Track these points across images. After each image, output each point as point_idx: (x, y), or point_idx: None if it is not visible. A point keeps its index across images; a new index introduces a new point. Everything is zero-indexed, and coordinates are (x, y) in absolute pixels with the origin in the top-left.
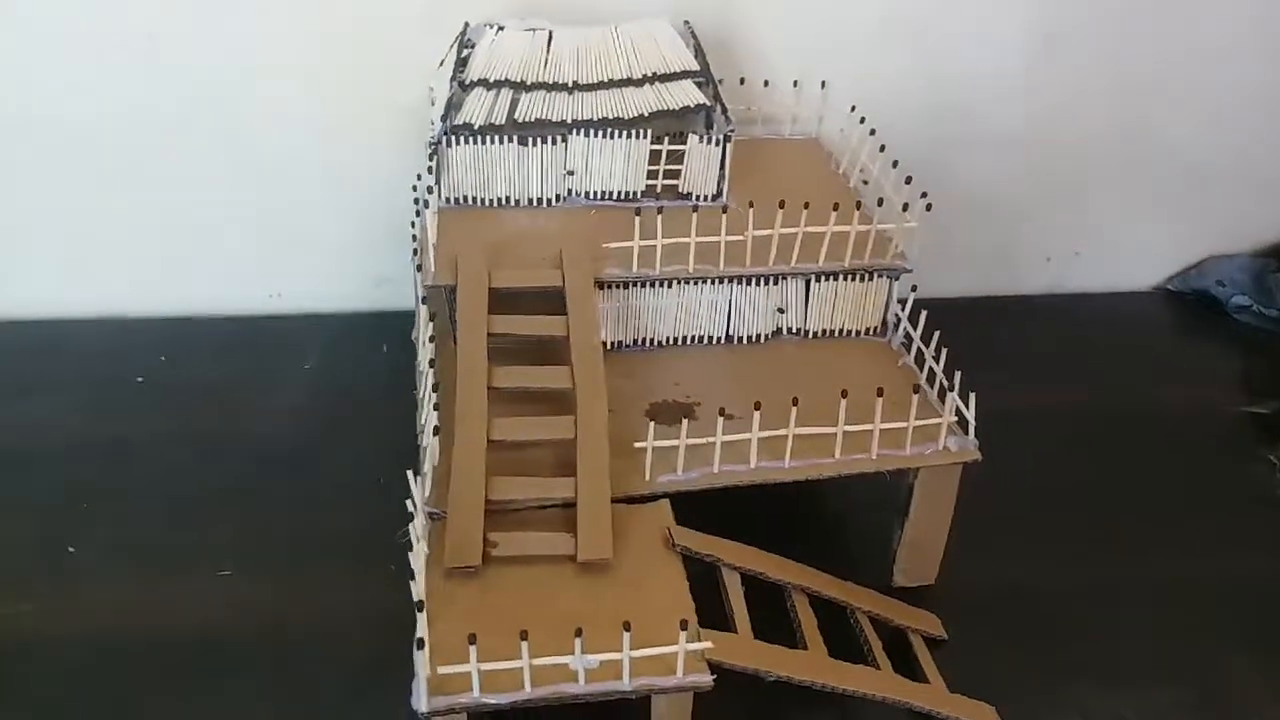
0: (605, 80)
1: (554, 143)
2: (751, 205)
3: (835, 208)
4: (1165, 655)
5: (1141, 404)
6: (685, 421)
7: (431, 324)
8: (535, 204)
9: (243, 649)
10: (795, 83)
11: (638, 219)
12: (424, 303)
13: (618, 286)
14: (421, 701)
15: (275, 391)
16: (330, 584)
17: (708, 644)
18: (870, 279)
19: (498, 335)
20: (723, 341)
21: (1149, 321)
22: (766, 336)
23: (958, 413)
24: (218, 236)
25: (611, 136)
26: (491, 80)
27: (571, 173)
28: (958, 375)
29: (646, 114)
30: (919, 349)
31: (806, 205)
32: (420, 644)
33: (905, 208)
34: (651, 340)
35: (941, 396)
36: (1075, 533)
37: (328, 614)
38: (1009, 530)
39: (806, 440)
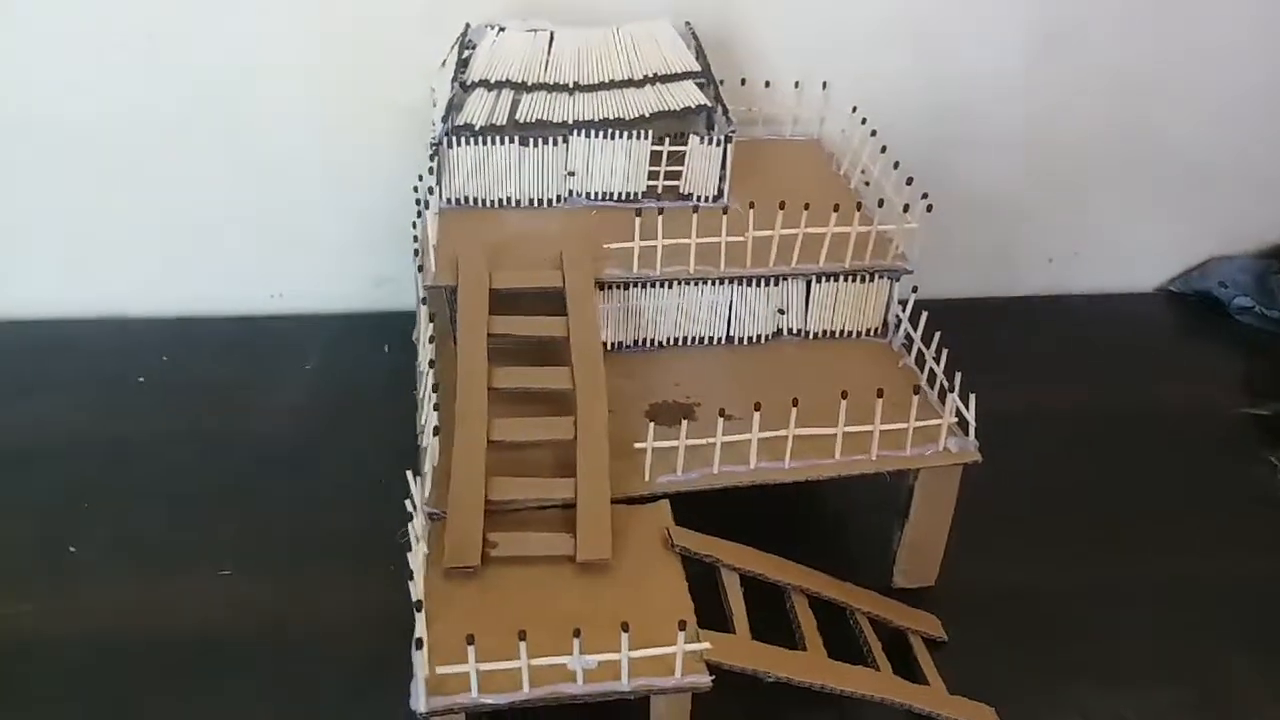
0: (606, 81)
1: (555, 143)
2: (752, 206)
3: (836, 209)
4: (1165, 656)
5: (1142, 405)
6: (685, 422)
7: (432, 324)
8: (536, 205)
9: (243, 649)
10: (796, 83)
11: (638, 220)
12: (424, 303)
13: (618, 287)
14: (420, 702)
15: (276, 392)
16: (330, 584)
17: (706, 645)
18: (871, 280)
19: (498, 336)
20: (723, 342)
21: (1150, 322)
22: (767, 337)
23: (958, 414)
24: (219, 237)
25: (612, 137)
26: (492, 81)
27: (572, 173)
28: (958, 376)
29: (647, 115)
30: (919, 350)
31: (807, 206)
32: (419, 644)
33: (906, 209)
34: (652, 341)
35: (942, 397)
36: (1075, 534)
37: (328, 614)
38: (1009, 531)
39: (806, 441)
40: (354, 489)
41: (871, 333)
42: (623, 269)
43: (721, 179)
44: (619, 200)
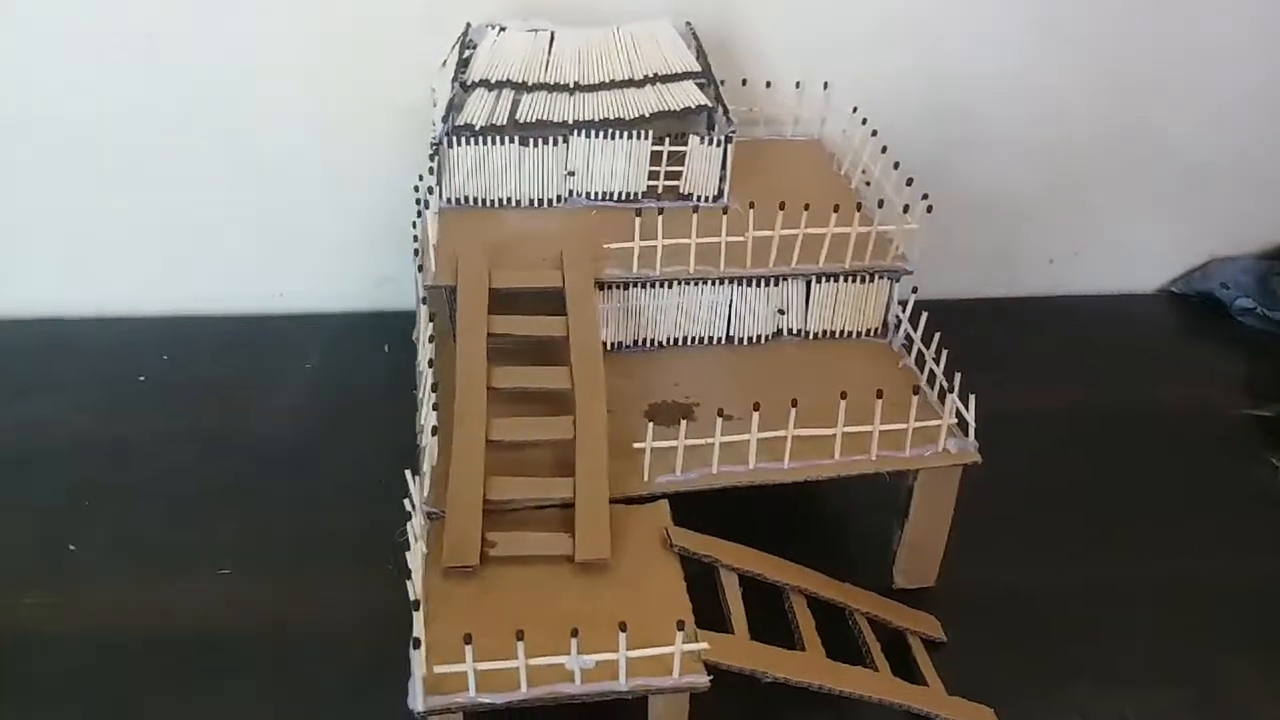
0: (606, 81)
1: (555, 143)
2: (752, 206)
3: (836, 209)
4: (1164, 656)
5: (1143, 406)
6: (684, 422)
7: (431, 324)
8: (536, 204)
9: (243, 648)
10: (797, 84)
11: (638, 220)
12: (424, 303)
13: (618, 287)
14: (418, 701)
15: (276, 391)
16: (330, 583)
17: (704, 645)
18: (871, 280)
19: (497, 335)
20: (723, 342)
21: (1152, 323)
22: (767, 337)
23: (957, 414)
24: (219, 237)
25: (613, 137)
26: (493, 81)
27: (573, 173)
28: (958, 377)
29: (648, 115)
30: (919, 350)
31: (807, 207)
32: (416, 643)
33: (906, 209)
34: (652, 341)
35: (941, 398)
36: (1075, 534)
37: (328, 613)
38: (1009, 532)
39: (806, 441)
40: (354, 488)
41: (871, 333)
42: (623, 269)
43: (722, 179)
44: (619, 200)
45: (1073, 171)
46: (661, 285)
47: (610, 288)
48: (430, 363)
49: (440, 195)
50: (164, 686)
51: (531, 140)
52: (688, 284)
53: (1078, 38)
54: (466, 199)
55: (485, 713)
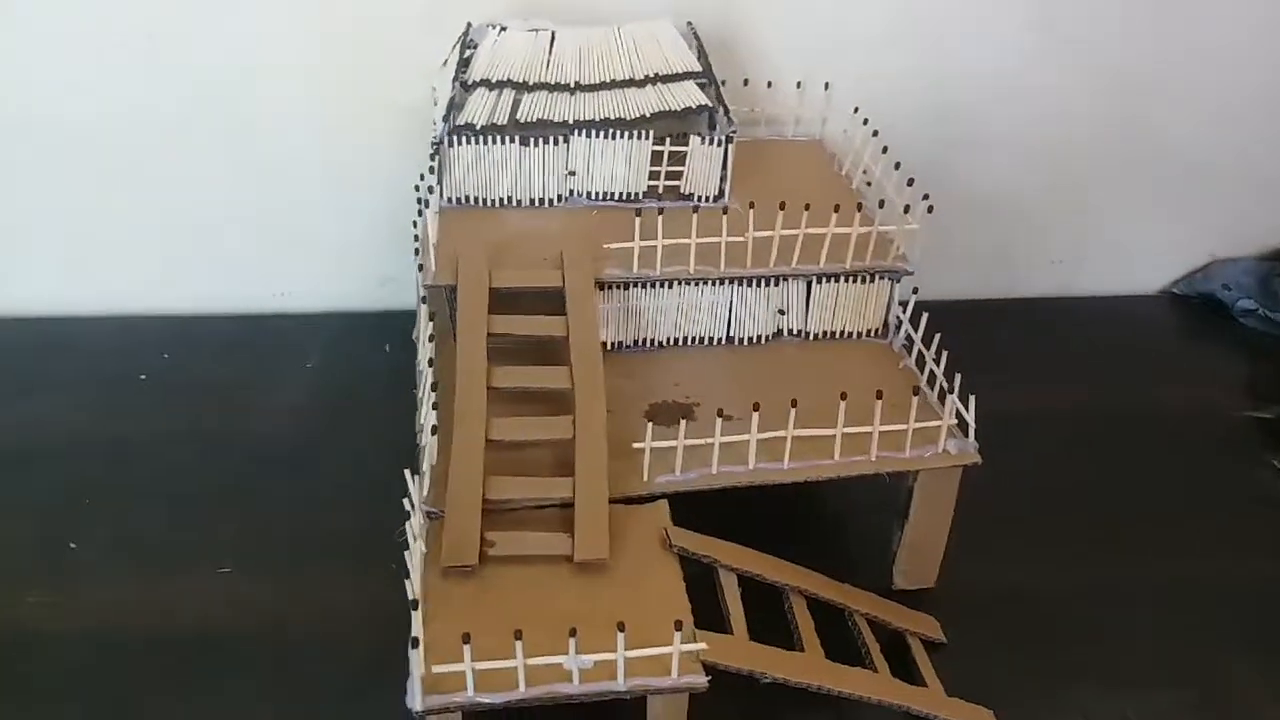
0: (607, 81)
1: (556, 143)
2: (753, 206)
3: (836, 209)
4: (1166, 657)
5: (1144, 407)
6: (684, 422)
7: (432, 323)
8: (536, 204)
9: (242, 648)
10: (799, 84)
11: (638, 220)
12: (424, 302)
13: (618, 287)
14: (416, 700)
15: (277, 390)
16: (330, 583)
17: (702, 645)
18: (871, 281)
19: (497, 335)
20: (723, 342)
21: (1153, 325)
22: (767, 338)
23: (958, 415)
24: (221, 236)
25: (613, 137)
26: (494, 80)
27: (573, 173)
28: (958, 378)
29: (648, 115)
30: (920, 351)
31: (807, 207)
32: (414, 643)
33: (907, 209)
34: (652, 341)
35: (942, 399)
36: (1076, 535)
37: (328, 613)
38: (1010, 533)
39: (805, 442)
40: (354, 488)
41: (872, 334)
42: (623, 269)
43: (722, 179)
44: (620, 200)
45: (1074, 172)
46: (662, 285)
47: (610, 288)
48: (430, 362)
49: (441, 195)
50: (164, 686)
51: (532, 140)
52: (688, 284)
53: (1079, 38)
54: (467, 198)
55: (484, 712)
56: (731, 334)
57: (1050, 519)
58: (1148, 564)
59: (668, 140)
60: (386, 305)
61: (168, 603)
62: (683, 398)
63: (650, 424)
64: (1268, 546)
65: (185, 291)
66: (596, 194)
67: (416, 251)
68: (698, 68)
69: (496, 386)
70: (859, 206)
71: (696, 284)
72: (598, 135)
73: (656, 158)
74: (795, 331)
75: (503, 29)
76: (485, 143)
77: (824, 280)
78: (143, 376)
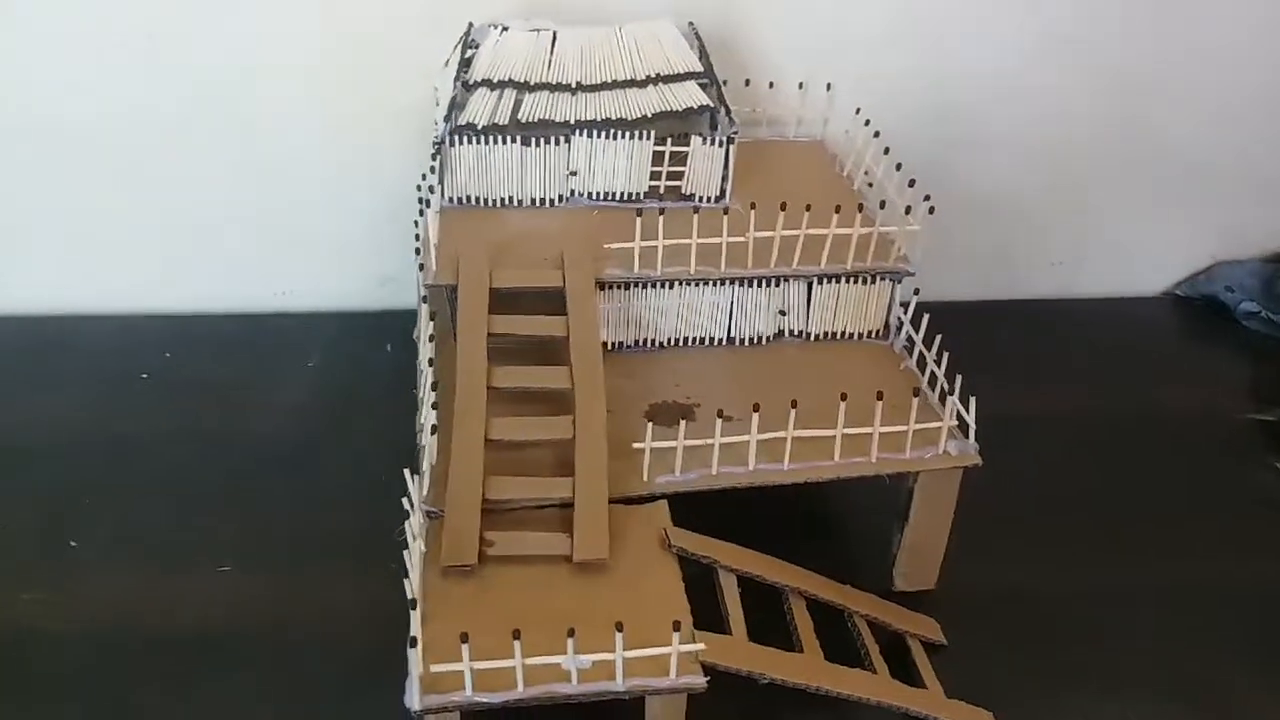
0: (609, 81)
1: (557, 143)
2: (754, 207)
3: (837, 210)
4: (1167, 660)
5: (1146, 409)
6: (683, 422)
7: (432, 323)
8: (538, 204)
9: (242, 646)
10: (800, 84)
11: (639, 220)
12: (425, 302)
13: (619, 287)
14: (414, 700)
15: (278, 390)
16: (331, 582)
17: (701, 645)
18: (872, 282)
19: (498, 335)
20: (724, 343)
21: (1155, 326)
22: (768, 338)
23: (958, 417)
24: (222, 236)
25: (615, 137)
26: (495, 80)
27: (574, 173)
28: (959, 379)
29: (650, 115)
30: (921, 352)
31: (809, 208)
32: (413, 642)
33: (908, 210)
34: (653, 341)
35: (942, 400)
36: (1077, 537)
37: (328, 612)
38: (1011, 534)
39: (806, 443)
40: (355, 487)
41: (873, 335)
42: (624, 269)
43: (724, 180)
44: (621, 200)
45: (1075, 173)
46: (663, 286)
47: (611, 288)
48: (430, 362)
49: (442, 194)
50: (163, 684)
51: (533, 140)
52: (689, 284)
53: (1080, 38)
54: (468, 198)
55: (483, 712)
56: (732, 334)
57: (1051, 521)
58: (1149, 566)
59: (669, 140)
60: (387, 305)
61: (168, 601)
62: (683, 398)
63: (650, 424)
64: (1270, 549)
65: (186, 291)
66: (598, 194)
67: (417, 251)
68: (699, 68)
69: (496, 386)
70: (860, 207)
71: (697, 284)
72: (599, 135)
73: (658, 158)
74: (796, 332)
75: (504, 29)
76: (487, 143)
77: (825, 281)
78: (144, 375)
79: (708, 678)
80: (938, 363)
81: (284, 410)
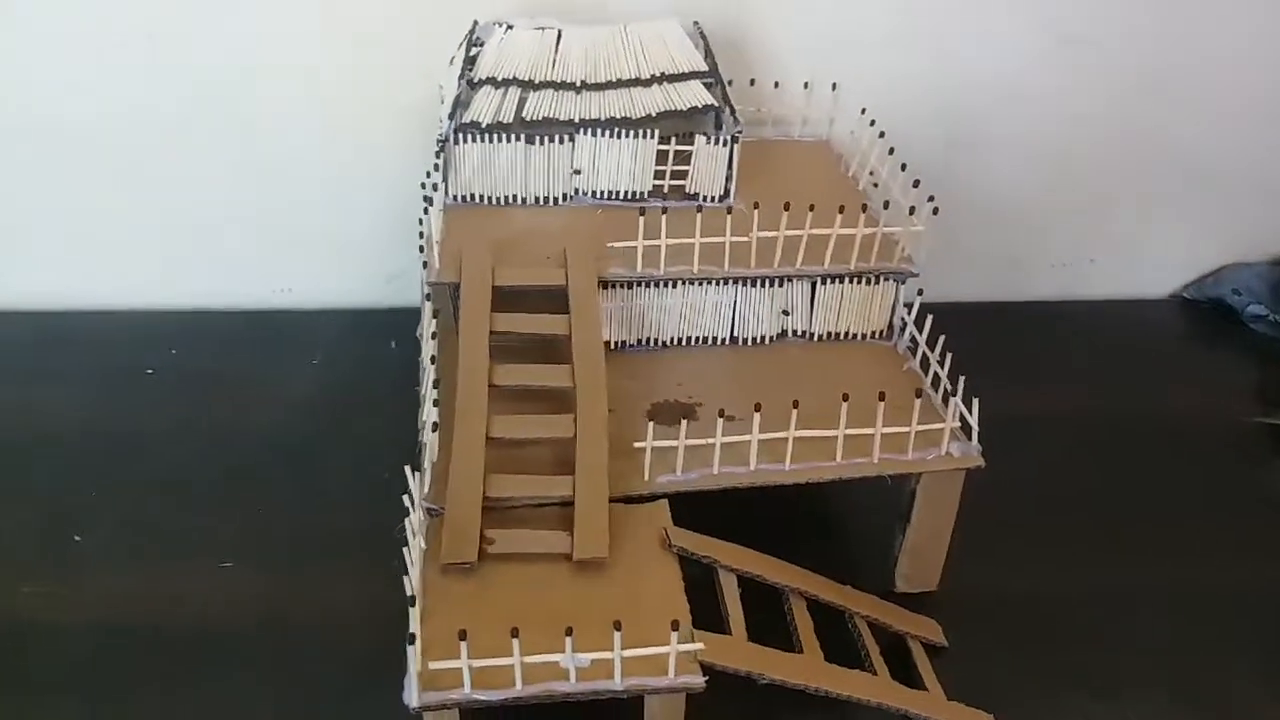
0: (613, 80)
1: (561, 142)
2: (757, 206)
3: (841, 210)
4: (1169, 662)
5: (1152, 412)
6: (685, 422)
7: (435, 321)
8: (541, 202)
9: (243, 642)
10: (806, 84)
11: (642, 219)
12: (428, 299)
13: (622, 286)
14: (413, 697)
15: (282, 386)
16: (333, 579)
17: (699, 645)
18: (876, 282)
19: (500, 333)
20: (727, 343)
21: (1162, 329)
22: (771, 338)
23: (961, 418)
24: (227, 233)
25: (619, 136)
26: (500, 79)
27: (578, 172)
28: (962, 380)
29: (654, 114)
30: (924, 353)
31: (812, 207)
32: (411, 639)
33: (912, 211)
34: (655, 340)
35: (945, 401)
36: (1081, 539)
37: (330, 608)
38: (1014, 536)
39: (807, 443)
40: (358, 484)
41: (876, 335)
42: (626, 268)
43: (728, 179)
44: (625, 199)
45: (1082, 175)
46: (665, 285)
47: (614, 287)
48: (433, 359)
49: (446, 192)
50: (164, 680)
51: (537, 138)
52: (692, 284)
53: (1088, 40)
54: (472, 196)
55: (482, 710)
56: (735, 334)
57: (1054, 523)
58: (1153, 568)
59: (673, 140)
60: (393, 302)
61: (170, 596)
62: (685, 397)
63: (652, 423)
64: (1275, 551)
65: (194, 287)
66: (601, 193)
67: (422, 249)
68: (704, 67)
69: (498, 384)
70: (864, 207)
71: (700, 284)
72: (603, 134)
73: (662, 157)
74: (799, 332)
75: (509, 27)
76: (491, 141)
77: (828, 281)
78: (150, 371)
79: (706, 677)
80: (941, 364)
81: (288, 407)
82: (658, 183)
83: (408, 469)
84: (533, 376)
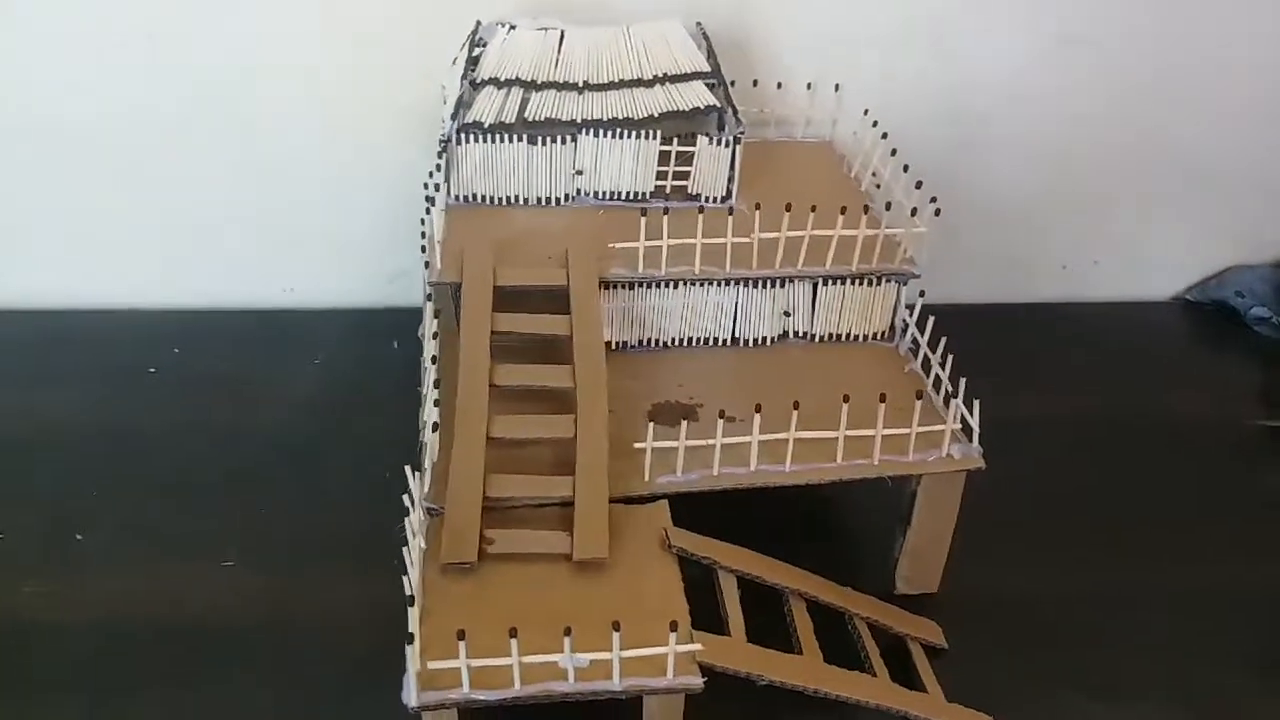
0: (616, 80)
1: (563, 142)
2: (758, 207)
3: (843, 211)
4: (1172, 665)
5: (1155, 414)
6: (685, 422)
7: (436, 321)
8: (543, 203)
9: (245, 641)
10: (809, 85)
11: (643, 219)
12: (429, 299)
13: (623, 287)
14: (411, 696)
15: (285, 386)
16: (334, 579)
17: (698, 646)
18: (877, 283)
19: (501, 333)
20: (728, 344)
21: (1165, 331)
22: (772, 339)
23: (962, 420)
24: (225, 236)
25: (621, 137)
26: (502, 79)
27: (580, 172)
28: (963, 382)
29: (656, 115)
30: (925, 355)
31: (814, 208)
32: (410, 639)
33: (914, 212)
34: (657, 341)
35: (946, 403)
36: (1083, 541)
37: (332, 607)
38: (1015, 538)
39: (808, 444)
40: (360, 483)
41: (878, 336)
42: (628, 268)
43: (730, 180)
44: (627, 200)
45: (1085, 177)
46: (667, 285)
47: (616, 287)
48: (434, 359)
49: (448, 192)
50: (166, 678)
51: (540, 139)
52: (693, 284)
53: (1092, 42)
54: (474, 196)
55: (480, 710)
56: (737, 335)
57: (1057, 524)
58: (1155, 570)
59: (675, 140)
60: (396, 302)
61: (171, 595)
62: (686, 398)
63: (652, 424)
64: (1277, 553)
65: (197, 286)
66: (603, 193)
67: (424, 249)
68: (706, 68)
69: (499, 384)
70: (866, 209)
71: (702, 284)
72: (605, 135)
73: (664, 158)
74: (800, 333)
75: (512, 28)
76: (493, 141)
77: (830, 282)
78: (152, 370)
79: (705, 678)
80: (942, 365)
81: (290, 407)
82: (660, 183)
83: (407, 468)
84: (533, 377)
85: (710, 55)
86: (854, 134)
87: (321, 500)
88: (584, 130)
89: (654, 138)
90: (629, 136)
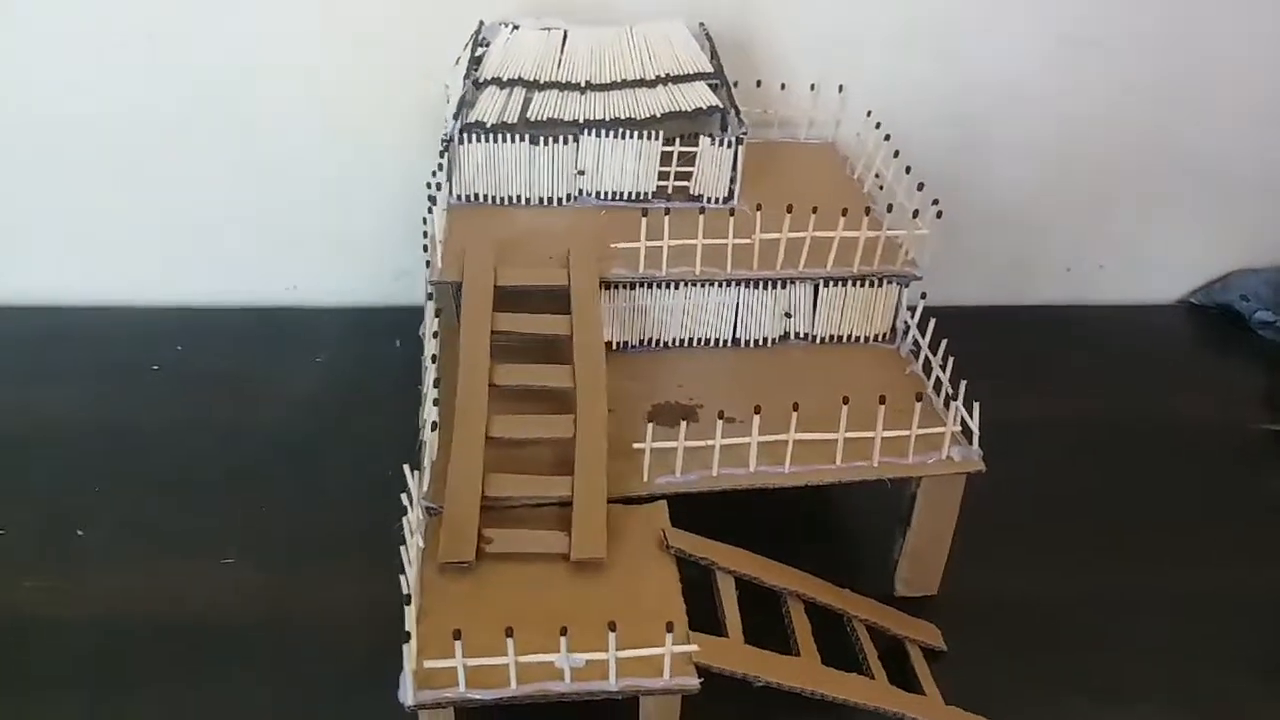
0: (618, 80)
1: (565, 142)
2: (760, 208)
3: (844, 213)
4: (1173, 669)
5: (1158, 417)
6: (684, 423)
7: (437, 320)
8: (545, 203)
9: (244, 639)
10: (812, 86)
11: (644, 220)
12: (430, 298)
13: (625, 287)
14: (408, 695)
15: (286, 384)
16: (334, 577)
17: (694, 646)
18: (879, 285)
19: (501, 332)
20: (729, 344)
21: (1169, 334)
22: (773, 341)
23: (962, 422)
24: (225, 235)
25: (623, 137)
26: (505, 79)
27: (582, 172)
28: (964, 384)
29: (659, 115)
30: (926, 357)
31: (815, 210)
32: (407, 638)
33: (916, 214)
34: (657, 341)
35: (947, 405)
36: (1084, 543)
37: (331, 605)
38: (1016, 540)
39: (808, 446)
40: (360, 482)
41: (879, 338)
42: (629, 269)
43: (732, 181)
44: (629, 200)
45: (1089, 179)
46: (668, 286)
47: (617, 287)
48: (434, 358)
49: (450, 192)
50: (166, 675)
51: (542, 139)
52: (694, 285)
53: (1097, 44)
54: (476, 196)
55: (477, 709)
56: (737, 336)
57: (1058, 527)
58: (1157, 574)
59: (678, 141)
60: (398, 301)
61: (172, 592)
62: (686, 399)
63: (651, 424)
64: (1278, 557)
65: (200, 285)
66: (605, 193)
67: (426, 248)
68: (709, 69)
69: (498, 384)
70: (868, 210)
71: (703, 285)
72: (608, 135)
73: (666, 158)
74: (801, 335)
75: (515, 27)
76: (495, 141)
77: (831, 284)
78: (155, 367)
79: (701, 679)
80: (943, 367)
81: (290, 404)
82: (661, 184)
83: (406, 467)
84: (533, 376)
85: (713, 56)
86: (857, 135)
87: (321, 498)
88: (586, 130)
89: (656, 138)
90: (631, 137)
